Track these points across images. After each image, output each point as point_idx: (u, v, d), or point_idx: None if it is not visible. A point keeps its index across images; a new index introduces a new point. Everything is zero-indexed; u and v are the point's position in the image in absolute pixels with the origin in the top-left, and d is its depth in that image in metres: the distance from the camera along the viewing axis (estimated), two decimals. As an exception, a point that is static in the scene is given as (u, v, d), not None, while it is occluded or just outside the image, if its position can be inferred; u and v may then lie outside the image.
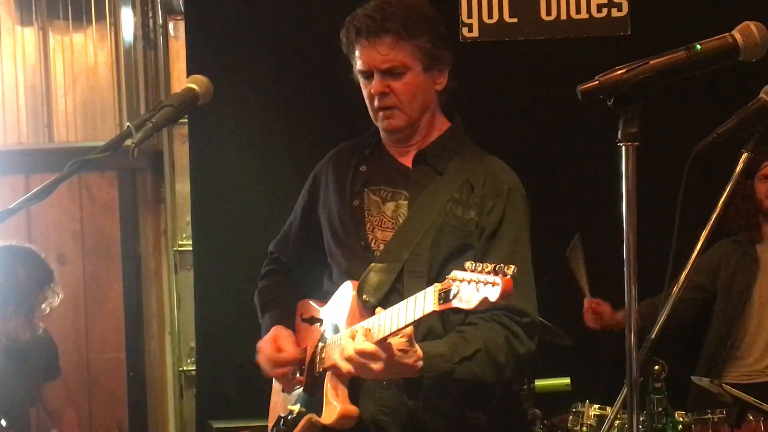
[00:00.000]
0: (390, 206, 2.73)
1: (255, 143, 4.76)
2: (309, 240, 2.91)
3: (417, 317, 2.31)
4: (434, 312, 2.26)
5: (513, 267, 2.13)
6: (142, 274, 5.12)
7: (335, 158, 2.90)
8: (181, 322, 5.12)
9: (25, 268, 3.94)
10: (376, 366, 2.38)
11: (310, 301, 2.91)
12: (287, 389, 2.86)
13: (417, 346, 2.41)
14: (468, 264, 2.20)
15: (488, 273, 2.16)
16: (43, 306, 3.99)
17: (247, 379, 4.52)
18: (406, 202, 2.71)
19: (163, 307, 5.17)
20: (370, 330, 2.40)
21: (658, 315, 2.26)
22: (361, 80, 2.72)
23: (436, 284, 2.27)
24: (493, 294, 2.13)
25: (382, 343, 2.36)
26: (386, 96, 2.66)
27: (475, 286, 2.16)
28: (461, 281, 2.19)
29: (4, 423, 3.74)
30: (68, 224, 5.03)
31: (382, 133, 2.80)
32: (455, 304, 2.20)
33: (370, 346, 2.36)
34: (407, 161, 2.77)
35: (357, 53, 2.68)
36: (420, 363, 2.41)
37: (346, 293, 2.68)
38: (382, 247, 2.69)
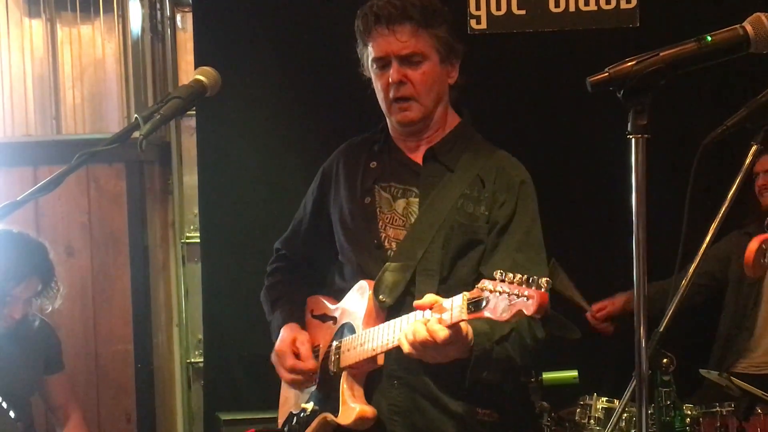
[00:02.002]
0: (401, 203, 2.72)
1: (262, 135, 4.76)
2: (319, 236, 2.90)
3: (446, 324, 2.30)
4: (463, 320, 2.26)
5: (547, 279, 2.10)
6: (149, 266, 5.12)
7: (344, 154, 2.88)
8: (189, 314, 5.12)
9: (7, 256, 3.79)
10: (452, 350, 2.36)
11: (322, 298, 2.91)
12: (297, 387, 2.86)
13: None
14: (498, 273, 2.17)
15: (520, 285, 2.13)
16: (45, 303, 3.91)
17: (254, 371, 4.54)
18: (416, 199, 2.70)
19: (171, 299, 5.18)
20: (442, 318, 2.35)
21: (667, 307, 2.25)
22: (375, 71, 2.69)
23: (464, 293, 2.26)
24: (529, 307, 2.10)
25: (454, 327, 2.33)
26: (403, 85, 2.64)
27: (507, 298, 2.14)
28: (492, 291, 2.18)
29: (12, 415, 3.73)
30: (76, 216, 5.03)
31: (393, 127, 2.78)
32: (486, 314, 2.19)
33: (446, 332, 2.32)
34: (417, 157, 2.75)
35: (373, 41, 2.65)
36: (472, 338, 2.42)
37: (362, 293, 2.67)
38: (394, 245, 2.68)
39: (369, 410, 2.58)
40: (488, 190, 2.65)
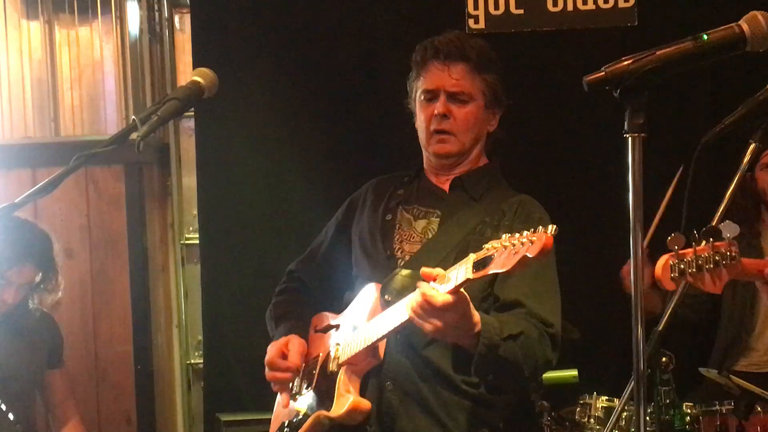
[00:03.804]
0: (421, 223, 2.81)
1: (261, 136, 4.76)
2: (337, 258, 2.96)
3: (449, 288, 2.32)
4: (468, 280, 2.27)
5: (555, 227, 2.14)
6: (149, 268, 5.12)
7: (374, 186, 3.00)
8: (189, 315, 5.12)
9: (6, 238, 3.73)
10: (452, 317, 2.36)
11: (326, 314, 2.94)
12: (285, 391, 2.86)
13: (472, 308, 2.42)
14: (504, 235, 2.22)
15: (525, 236, 2.16)
16: (44, 297, 3.90)
17: (254, 372, 4.50)
18: (437, 219, 2.79)
19: (171, 300, 5.17)
20: (445, 276, 2.36)
21: (666, 307, 2.25)
22: (422, 102, 2.80)
23: (471, 254, 2.29)
24: (533, 249, 2.12)
25: (456, 292, 2.34)
26: (446, 119, 2.76)
27: (511, 250, 2.17)
28: (496, 249, 2.21)
29: (11, 417, 3.71)
30: (75, 218, 5.03)
31: (428, 160, 2.88)
32: (492, 270, 2.21)
33: (448, 298, 2.33)
34: (444, 186, 2.86)
35: (427, 74, 2.78)
36: (479, 324, 2.43)
37: (368, 294, 2.71)
38: (407, 258, 2.75)
39: (363, 402, 2.59)
40: (508, 219, 2.74)
